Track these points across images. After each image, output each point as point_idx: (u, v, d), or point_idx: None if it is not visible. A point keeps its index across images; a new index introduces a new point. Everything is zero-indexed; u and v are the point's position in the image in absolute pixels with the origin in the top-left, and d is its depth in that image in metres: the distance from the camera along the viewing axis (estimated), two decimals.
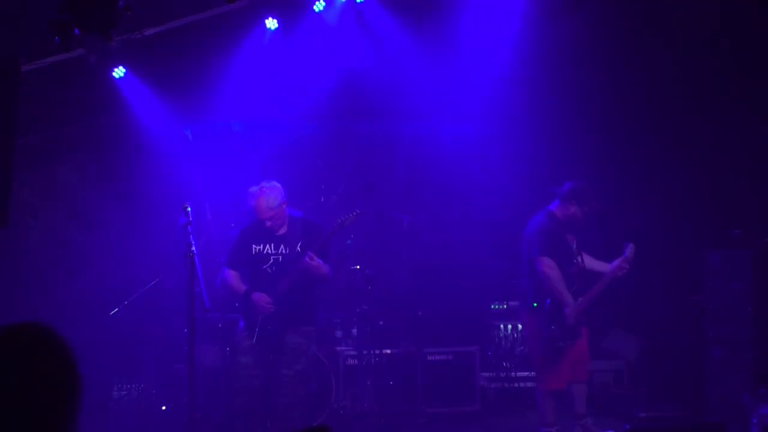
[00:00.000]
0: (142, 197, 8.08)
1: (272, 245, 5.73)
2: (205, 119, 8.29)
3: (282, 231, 5.74)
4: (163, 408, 7.04)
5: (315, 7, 6.68)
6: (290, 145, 8.54)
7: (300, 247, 5.67)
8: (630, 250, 5.89)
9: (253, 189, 5.76)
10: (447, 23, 7.37)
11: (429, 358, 7.34)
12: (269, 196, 5.64)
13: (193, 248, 5.25)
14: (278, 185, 5.73)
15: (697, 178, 7.46)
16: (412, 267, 8.01)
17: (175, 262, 7.09)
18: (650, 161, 8.08)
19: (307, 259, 5.50)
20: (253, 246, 5.74)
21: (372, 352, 7.02)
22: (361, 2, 7.08)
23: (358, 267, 7.18)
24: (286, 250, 5.69)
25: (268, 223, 5.67)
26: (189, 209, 5.36)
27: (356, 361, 7.19)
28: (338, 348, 7.39)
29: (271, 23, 6.63)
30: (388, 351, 7.38)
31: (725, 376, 6.13)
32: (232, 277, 5.86)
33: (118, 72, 6.50)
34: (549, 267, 5.84)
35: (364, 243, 7.65)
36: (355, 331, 7.46)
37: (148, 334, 7.78)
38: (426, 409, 7.14)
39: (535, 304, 5.93)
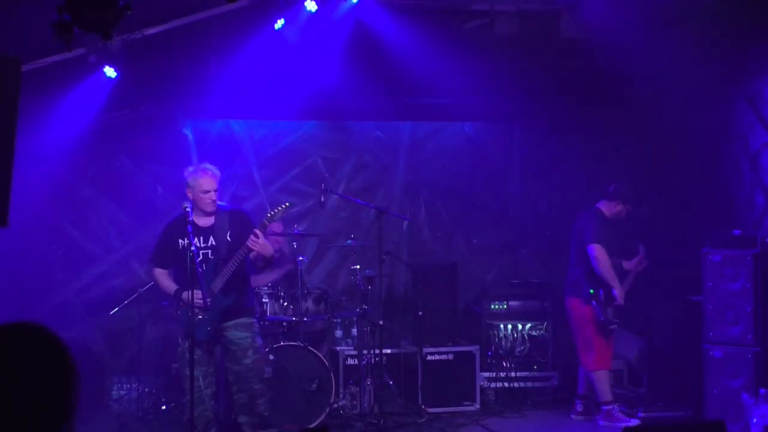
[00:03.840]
0: (142, 197, 8.09)
1: (200, 238, 5.49)
2: (205, 119, 8.29)
3: (209, 223, 5.55)
4: (163, 408, 7.04)
5: (306, 5, 6.59)
6: (290, 145, 8.54)
7: (230, 236, 5.51)
8: (643, 249, 7.06)
9: (190, 169, 5.56)
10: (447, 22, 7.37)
11: (429, 358, 7.33)
12: (213, 169, 5.55)
13: (193, 248, 5.23)
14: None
15: (697, 178, 7.45)
16: (412, 267, 8.01)
17: (175, 261, 7.10)
18: (649, 161, 8.08)
19: (253, 237, 5.26)
20: (180, 240, 5.53)
21: (372, 352, 7.02)
22: (357, 2, 7.05)
23: (358, 267, 7.17)
24: (215, 243, 5.52)
25: (213, 196, 5.46)
26: (189, 209, 5.34)
27: (356, 361, 7.19)
28: (338, 348, 7.40)
29: (279, 22, 6.58)
30: (388, 351, 7.38)
31: (725, 376, 6.12)
32: (160, 275, 5.65)
33: (111, 72, 6.40)
34: (601, 252, 6.54)
35: (364, 243, 7.65)
36: (355, 331, 7.46)
37: (148, 334, 7.79)
38: (426, 409, 7.13)
39: (591, 291, 6.56)
